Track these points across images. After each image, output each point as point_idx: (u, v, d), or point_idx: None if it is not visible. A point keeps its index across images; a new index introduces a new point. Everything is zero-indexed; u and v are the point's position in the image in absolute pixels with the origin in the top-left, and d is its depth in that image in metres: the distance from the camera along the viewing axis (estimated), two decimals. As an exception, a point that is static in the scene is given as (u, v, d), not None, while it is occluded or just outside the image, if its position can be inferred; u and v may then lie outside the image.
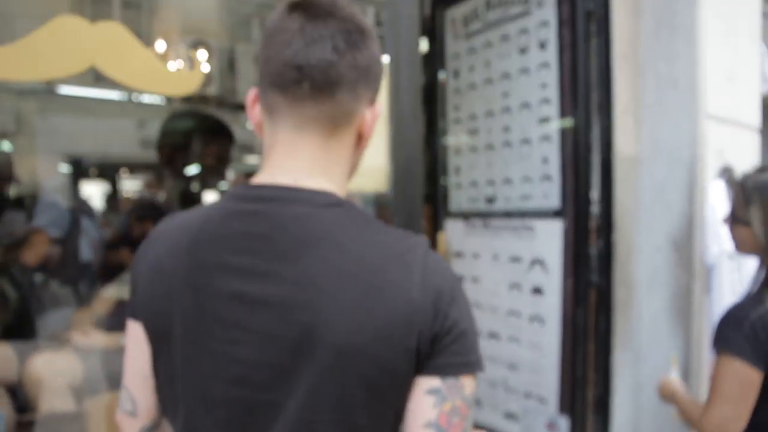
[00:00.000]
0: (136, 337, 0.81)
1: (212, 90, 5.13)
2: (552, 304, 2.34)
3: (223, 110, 5.68)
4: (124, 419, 0.86)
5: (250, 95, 0.80)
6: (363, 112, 0.77)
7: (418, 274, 0.68)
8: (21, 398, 2.11)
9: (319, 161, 0.75)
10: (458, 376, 0.68)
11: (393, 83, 1.68)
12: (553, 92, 2.28)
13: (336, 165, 0.77)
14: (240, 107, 5.62)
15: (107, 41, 1.28)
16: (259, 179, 0.77)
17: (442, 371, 0.68)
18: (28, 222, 2.75)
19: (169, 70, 1.44)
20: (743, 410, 1.35)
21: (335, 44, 0.70)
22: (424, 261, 0.70)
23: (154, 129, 6.13)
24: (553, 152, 2.31)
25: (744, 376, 1.34)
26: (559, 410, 2.33)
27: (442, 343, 0.67)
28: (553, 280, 2.34)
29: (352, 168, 0.82)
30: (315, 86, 0.71)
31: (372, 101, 0.78)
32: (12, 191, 2.76)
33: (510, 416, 2.53)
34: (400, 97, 1.68)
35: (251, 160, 6.18)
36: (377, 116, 0.79)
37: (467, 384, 0.69)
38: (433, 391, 0.67)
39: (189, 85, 1.39)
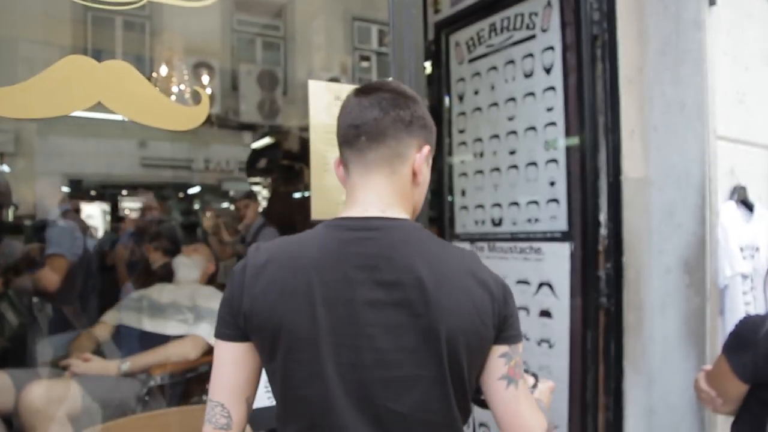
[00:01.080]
0: (234, 356, 0.96)
1: (214, 110, 5.15)
2: (561, 327, 2.32)
3: (225, 130, 5.72)
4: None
5: (336, 161, 1.03)
6: (414, 155, 0.98)
7: (488, 274, 0.96)
8: (16, 427, 2.05)
9: (389, 195, 0.97)
10: (516, 343, 0.98)
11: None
12: (559, 115, 2.29)
13: (401, 197, 0.99)
14: (242, 127, 5.65)
15: (114, 78, 1.32)
16: (350, 213, 0.97)
17: (508, 340, 0.96)
18: (27, 245, 2.73)
19: (176, 105, 1.44)
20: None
21: (382, 106, 0.95)
22: (483, 265, 0.98)
23: (155, 149, 6.12)
24: (560, 175, 2.31)
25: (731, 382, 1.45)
26: (570, 435, 2.29)
27: (507, 322, 0.96)
28: (561, 302, 2.32)
29: (416, 202, 1.03)
30: (369, 137, 0.95)
31: (420, 147, 0.99)
32: (9, 214, 2.73)
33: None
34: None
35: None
36: (424, 157, 0.99)
37: (520, 347, 0.99)
38: (503, 355, 0.96)
39: (195, 120, 1.39)
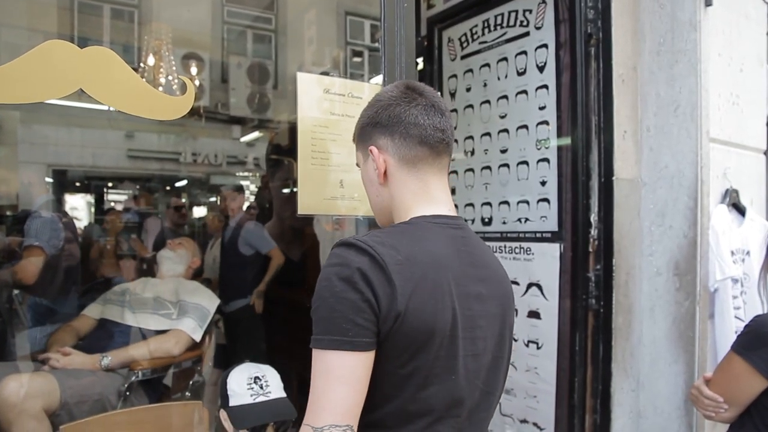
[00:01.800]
0: (368, 368, 0.89)
1: (203, 102, 5.09)
2: (549, 329, 2.30)
3: (214, 123, 5.65)
4: None
5: (375, 150, 1.05)
6: None
7: None
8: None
9: (450, 197, 1.08)
10: None
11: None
12: (551, 114, 2.26)
13: None
14: (231, 120, 5.59)
15: (96, 65, 1.28)
16: (438, 211, 1.03)
17: None
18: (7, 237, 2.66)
19: (160, 94, 1.40)
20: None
21: (447, 116, 1.05)
22: None
23: (141, 141, 6.04)
24: (551, 174, 2.28)
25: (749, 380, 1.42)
26: (556, 438, 2.27)
27: None
28: (550, 303, 2.30)
29: None
30: (449, 144, 1.05)
31: None
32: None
33: (505, 443, 2.47)
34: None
35: (241, 172, 6.13)
36: None
37: None
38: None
39: (180, 110, 1.35)
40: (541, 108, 2.28)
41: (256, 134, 5.45)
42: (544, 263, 2.30)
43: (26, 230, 2.46)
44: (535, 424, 2.37)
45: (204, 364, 2.66)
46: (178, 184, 6.11)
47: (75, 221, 3.87)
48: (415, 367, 0.91)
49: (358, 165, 1.13)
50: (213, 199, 6.03)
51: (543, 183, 2.31)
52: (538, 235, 2.34)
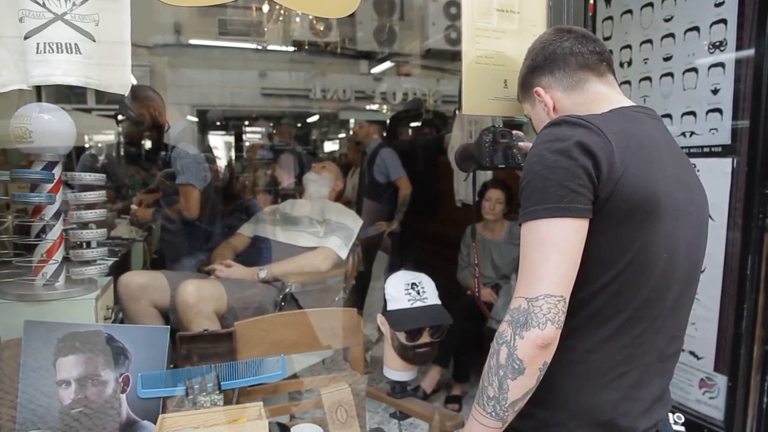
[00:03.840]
0: (582, 236, 0.86)
1: (331, 38, 5.14)
2: (715, 251, 2.11)
3: (342, 59, 5.72)
4: (555, 336, 0.84)
5: (540, 90, 1.09)
6: None
7: None
8: (172, 322, 2.23)
9: None
10: None
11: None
12: (730, 11, 2.00)
13: None
14: (359, 55, 5.62)
15: None
16: (619, 105, 1.01)
17: None
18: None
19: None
20: None
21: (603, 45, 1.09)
22: None
23: (274, 80, 6.26)
24: (726, 82, 2.04)
25: None
26: (715, 367, 2.13)
27: None
28: (716, 224, 2.11)
29: None
30: (609, 64, 1.08)
31: None
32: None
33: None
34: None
35: (371, 106, 6.19)
36: None
37: None
38: None
39: (348, 7, 1.33)
40: (718, 4, 2.02)
41: (385, 66, 5.44)
42: (712, 180, 2.10)
43: (177, 168, 2.68)
44: (692, 353, 2.24)
45: (348, 282, 2.77)
46: (309, 120, 6.31)
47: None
48: (628, 240, 0.88)
49: (527, 116, 1.17)
50: (342, 135, 6.17)
51: (715, 91, 2.08)
52: (706, 149, 2.13)
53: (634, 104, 1.04)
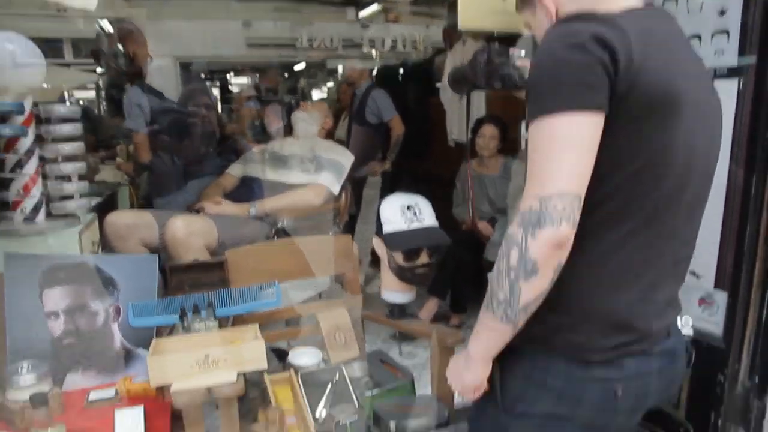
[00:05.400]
0: (598, 131, 0.79)
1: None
2: (719, 171, 2.04)
3: (328, 5, 5.54)
4: (570, 235, 0.80)
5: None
6: None
7: None
8: (162, 260, 2.18)
9: None
10: None
11: None
12: None
13: None
14: (345, 2, 5.45)
15: None
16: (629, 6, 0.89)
17: None
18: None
19: None
20: None
21: None
22: None
23: (258, 29, 6.07)
24: (733, 2, 1.94)
25: None
26: (716, 284, 2.11)
27: None
28: (722, 144, 2.04)
29: None
30: None
31: None
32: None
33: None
34: None
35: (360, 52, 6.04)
36: None
37: None
38: None
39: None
40: None
41: (372, 9, 5.27)
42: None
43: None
44: (692, 272, 2.21)
45: (342, 218, 2.73)
46: (296, 68, 6.16)
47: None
48: (646, 139, 0.83)
49: (527, 27, 1.03)
50: (330, 84, 6.04)
51: (722, 12, 1.99)
52: (713, 72, 2.06)
53: (646, 4, 0.95)
